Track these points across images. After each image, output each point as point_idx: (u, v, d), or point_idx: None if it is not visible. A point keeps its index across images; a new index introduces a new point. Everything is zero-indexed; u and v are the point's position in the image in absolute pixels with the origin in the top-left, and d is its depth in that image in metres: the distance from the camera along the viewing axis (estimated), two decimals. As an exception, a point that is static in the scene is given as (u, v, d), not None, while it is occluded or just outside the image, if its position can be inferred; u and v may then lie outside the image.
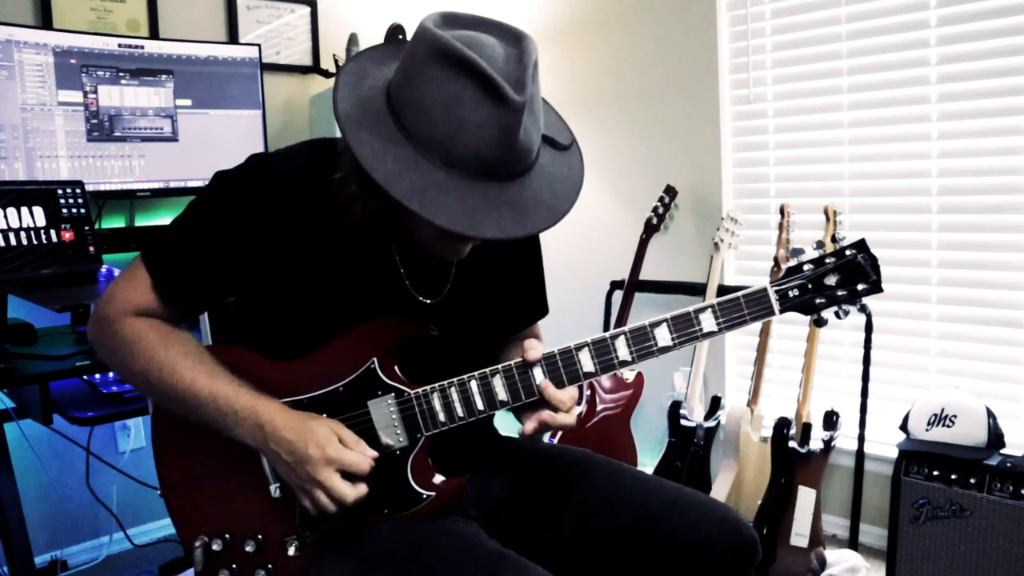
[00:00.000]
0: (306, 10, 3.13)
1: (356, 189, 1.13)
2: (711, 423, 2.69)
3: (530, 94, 1.02)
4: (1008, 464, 2.05)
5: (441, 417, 1.19)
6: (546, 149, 1.13)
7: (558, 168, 1.13)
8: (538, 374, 1.18)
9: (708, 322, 1.17)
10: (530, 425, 1.18)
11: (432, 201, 1.00)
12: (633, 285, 2.87)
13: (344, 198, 1.15)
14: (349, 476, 1.11)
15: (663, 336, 1.17)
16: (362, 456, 1.12)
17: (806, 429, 2.32)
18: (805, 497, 2.31)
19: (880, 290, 1.17)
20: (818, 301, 1.18)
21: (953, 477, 2.11)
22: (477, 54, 1.00)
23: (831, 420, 2.38)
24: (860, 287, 1.17)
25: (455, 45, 0.99)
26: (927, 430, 2.21)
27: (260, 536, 1.21)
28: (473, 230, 1.01)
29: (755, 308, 1.17)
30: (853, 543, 2.50)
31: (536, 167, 1.09)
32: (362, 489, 1.12)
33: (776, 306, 1.17)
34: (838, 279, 1.17)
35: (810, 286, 1.17)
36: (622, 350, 1.17)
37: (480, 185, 1.03)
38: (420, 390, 1.19)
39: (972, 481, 2.08)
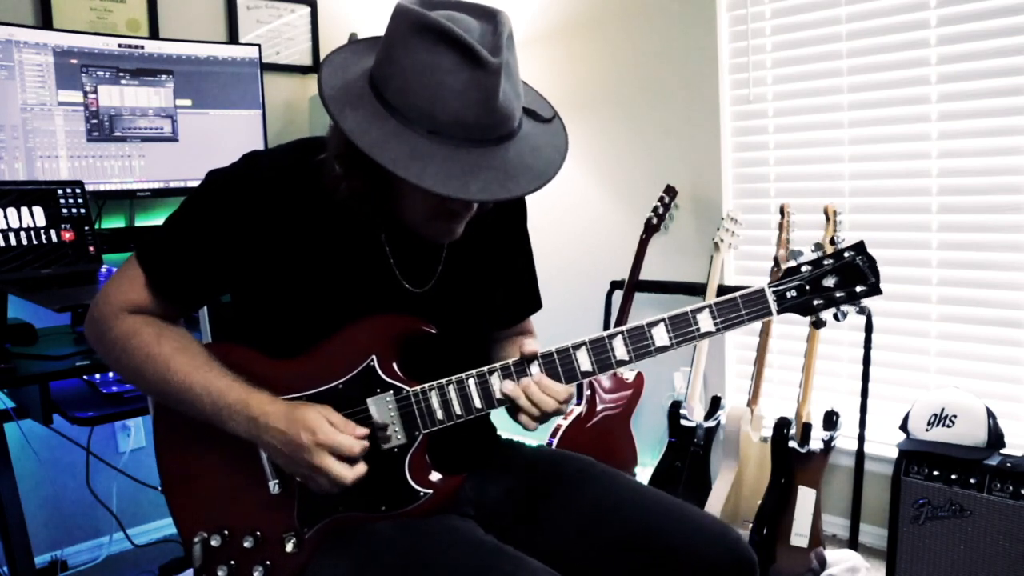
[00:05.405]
0: (306, 10, 3.13)
1: (342, 169, 1.15)
2: (711, 423, 2.69)
3: (506, 59, 1.05)
4: (1008, 464, 2.04)
5: (439, 415, 1.19)
6: (529, 121, 1.15)
7: (542, 137, 1.15)
8: (536, 370, 1.18)
9: (706, 322, 1.17)
10: (517, 394, 1.17)
11: (418, 166, 1.03)
12: (633, 285, 2.87)
13: (330, 180, 1.17)
14: (346, 458, 1.12)
15: (661, 336, 1.17)
16: (352, 439, 1.13)
17: (806, 429, 2.32)
18: (805, 497, 2.31)
19: (879, 292, 1.17)
20: (816, 302, 1.18)
21: (953, 477, 2.11)
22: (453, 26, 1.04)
23: (831, 420, 2.38)
24: (859, 289, 1.17)
25: (432, 17, 1.03)
26: (927, 430, 2.21)
27: (258, 532, 1.22)
28: (461, 192, 1.03)
29: (753, 308, 1.17)
30: (853, 543, 2.50)
31: (520, 134, 1.11)
32: (360, 469, 1.13)
33: (774, 307, 1.17)
34: (836, 281, 1.17)
35: (808, 287, 1.18)
36: (620, 350, 1.17)
37: (465, 150, 1.06)
38: (418, 388, 1.19)
39: (972, 481, 2.08)
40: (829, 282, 1.17)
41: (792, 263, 1.20)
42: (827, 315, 1.20)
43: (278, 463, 1.17)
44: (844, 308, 1.18)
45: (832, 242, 1.19)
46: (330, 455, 1.11)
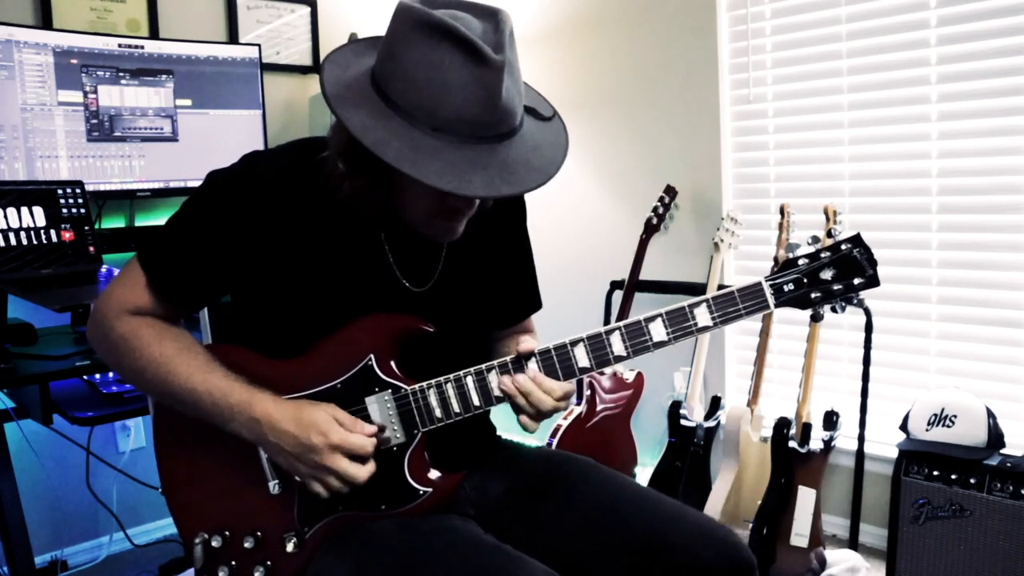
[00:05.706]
0: (306, 10, 3.14)
1: (345, 167, 1.15)
2: (711, 423, 2.69)
3: (508, 57, 1.05)
4: (1008, 464, 2.04)
5: (437, 413, 1.19)
6: (530, 119, 1.15)
7: (543, 135, 1.16)
8: (532, 367, 1.18)
9: (703, 316, 1.16)
10: (512, 390, 1.17)
11: (422, 163, 1.03)
12: (633, 285, 2.87)
13: (333, 178, 1.17)
14: (357, 457, 1.13)
15: (658, 331, 1.17)
16: (364, 437, 1.14)
17: (806, 429, 2.32)
18: (805, 497, 2.31)
19: (876, 284, 1.16)
20: (814, 295, 1.17)
21: (953, 477, 2.11)
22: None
23: (831, 420, 2.37)
24: (856, 281, 1.16)
25: (435, 14, 1.04)
26: (927, 430, 2.21)
27: (259, 533, 1.22)
28: (464, 188, 1.04)
29: (750, 302, 1.16)
30: (853, 543, 2.50)
31: (522, 132, 1.12)
32: (371, 467, 1.14)
33: (771, 300, 1.16)
34: (834, 273, 1.16)
35: (805, 280, 1.17)
36: (617, 345, 1.17)
37: (469, 147, 1.06)
38: (416, 386, 1.19)
39: (972, 481, 2.08)
40: (826, 275, 1.16)
41: (789, 256, 1.19)
42: (825, 308, 1.19)
43: (281, 464, 1.17)
44: (842, 301, 1.17)
45: (829, 235, 1.19)
46: (343, 456, 1.12)
